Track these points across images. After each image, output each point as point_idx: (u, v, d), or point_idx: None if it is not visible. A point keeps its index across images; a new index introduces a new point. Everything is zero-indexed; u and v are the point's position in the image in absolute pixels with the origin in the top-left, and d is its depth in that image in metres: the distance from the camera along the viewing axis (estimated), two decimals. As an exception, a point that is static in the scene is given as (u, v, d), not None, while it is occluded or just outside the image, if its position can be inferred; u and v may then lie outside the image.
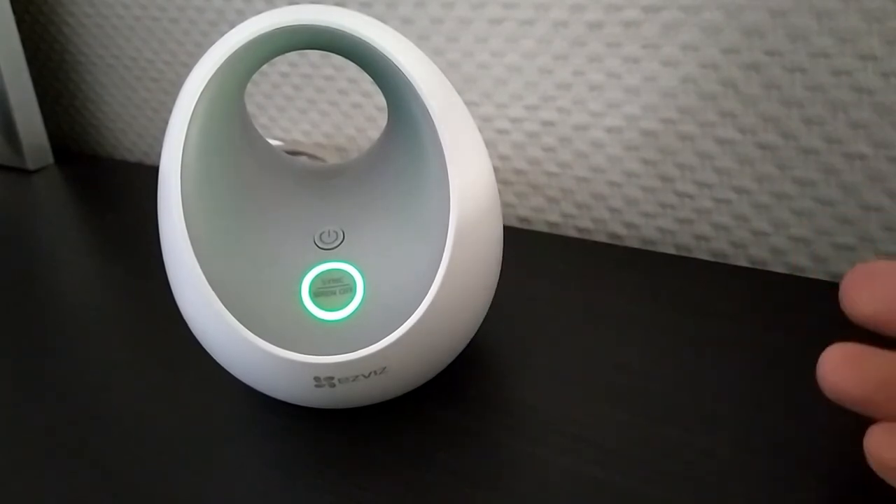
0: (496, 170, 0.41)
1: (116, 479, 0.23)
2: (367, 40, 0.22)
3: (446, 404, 0.25)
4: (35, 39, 0.56)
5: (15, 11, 0.50)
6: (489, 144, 0.40)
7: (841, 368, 0.19)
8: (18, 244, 0.42)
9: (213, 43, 0.22)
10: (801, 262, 0.34)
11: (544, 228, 0.41)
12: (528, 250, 0.36)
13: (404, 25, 0.40)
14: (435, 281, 0.22)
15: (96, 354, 0.30)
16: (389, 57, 0.22)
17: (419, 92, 0.22)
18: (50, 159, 0.53)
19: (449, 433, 0.24)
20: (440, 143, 0.22)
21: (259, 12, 0.44)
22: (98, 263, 0.39)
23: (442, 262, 0.22)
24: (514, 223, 0.42)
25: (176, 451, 0.24)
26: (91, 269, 0.38)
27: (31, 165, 0.51)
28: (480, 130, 0.40)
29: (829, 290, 0.30)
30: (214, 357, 0.23)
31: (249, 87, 0.47)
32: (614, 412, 0.24)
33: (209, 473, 0.23)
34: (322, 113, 0.45)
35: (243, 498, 0.22)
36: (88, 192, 0.49)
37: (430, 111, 0.22)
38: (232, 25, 0.45)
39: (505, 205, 0.41)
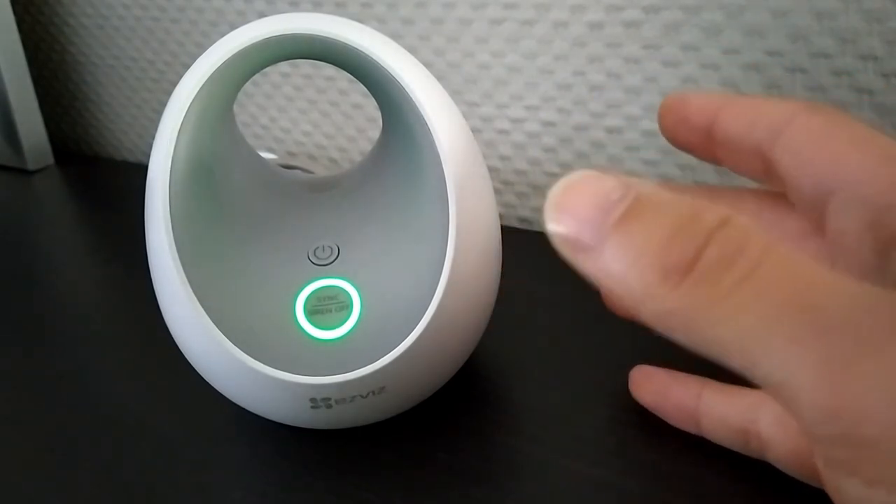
0: (497, 170, 0.41)
1: (116, 479, 0.23)
2: (363, 50, 0.22)
3: (447, 404, 0.25)
4: (35, 40, 0.56)
5: (15, 12, 0.49)
6: (489, 145, 0.40)
7: None
8: (18, 244, 0.42)
9: (213, 44, 0.22)
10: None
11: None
12: (528, 251, 0.36)
13: (405, 26, 0.40)
14: (435, 296, 0.21)
15: (96, 355, 0.30)
16: (386, 68, 0.22)
17: (415, 102, 0.22)
18: (50, 160, 0.53)
19: (449, 433, 0.24)
20: (438, 154, 0.21)
21: (259, 13, 0.44)
22: (98, 264, 0.39)
23: (441, 277, 0.21)
24: (515, 224, 0.41)
25: (176, 451, 0.24)
26: (91, 269, 0.38)
27: (31, 165, 0.51)
28: (481, 131, 0.40)
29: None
30: (204, 377, 0.23)
31: (250, 87, 0.47)
32: (614, 412, 0.24)
33: (209, 474, 0.23)
34: (323, 113, 0.45)
35: (243, 498, 0.22)
36: (89, 192, 0.49)
37: (426, 121, 0.22)
38: (232, 26, 0.46)
39: (505, 205, 0.41)
